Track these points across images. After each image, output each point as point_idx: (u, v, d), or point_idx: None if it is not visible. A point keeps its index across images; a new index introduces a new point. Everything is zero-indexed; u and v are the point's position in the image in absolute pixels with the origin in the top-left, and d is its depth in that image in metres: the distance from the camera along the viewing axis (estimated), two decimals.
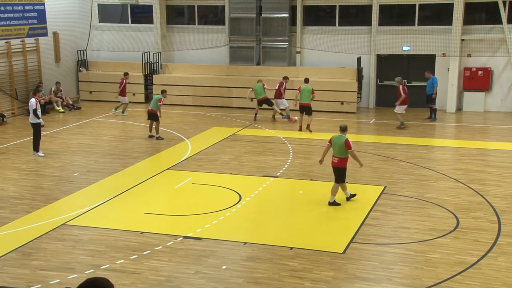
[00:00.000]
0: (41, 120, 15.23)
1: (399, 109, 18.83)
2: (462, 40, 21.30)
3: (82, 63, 24.75)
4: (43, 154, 15.29)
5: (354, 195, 11.84)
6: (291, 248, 9.45)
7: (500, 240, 9.65)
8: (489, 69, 21.34)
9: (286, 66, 23.30)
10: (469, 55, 21.64)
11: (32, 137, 15.51)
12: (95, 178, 13.42)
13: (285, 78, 20.29)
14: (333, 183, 11.64)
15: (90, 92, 24.43)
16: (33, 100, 15.25)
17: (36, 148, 15.37)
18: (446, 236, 9.89)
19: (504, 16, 20.71)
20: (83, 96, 24.35)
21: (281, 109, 20.10)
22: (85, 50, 24.94)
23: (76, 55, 24.59)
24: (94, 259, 9.09)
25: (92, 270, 8.66)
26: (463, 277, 8.34)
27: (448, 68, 21.50)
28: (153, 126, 17.36)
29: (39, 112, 15.21)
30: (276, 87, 20.17)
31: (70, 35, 24.05)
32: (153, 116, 17.24)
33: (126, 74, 21.39)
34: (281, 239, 9.90)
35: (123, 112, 21.09)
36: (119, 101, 21.18)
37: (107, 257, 9.12)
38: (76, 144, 16.83)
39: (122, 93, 21.00)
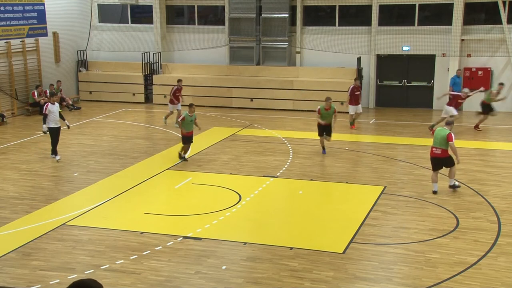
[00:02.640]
0: (43, 127, 14.58)
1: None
2: (462, 40, 21.31)
3: (82, 63, 24.76)
4: (59, 157, 14.76)
5: (459, 186, 12.35)
6: (291, 248, 9.45)
7: (500, 240, 9.65)
8: (489, 69, 21.34)
9: (286, 66, 23.32)
10: (469, 55, 21.64)
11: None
12: (95, 178, 13.42)
13: (356, 80, 19.22)
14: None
15: (90, 92, 24.43)
16: (45, 105, 14.81)
17: (53, 151, 14.87)
18: (446, 236, 9.89)
19: (504, 16, 20.71)
20: (83, 96, 24.35)
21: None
22: (85, 50, 24.94)
23: (76, 55, 24.60)
24: (94, 259, 9.09)
25: (92, 270, 8.66)
26: (463, 277, 8.34)
27: (448, 68, 21.50)
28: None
29: (48, 117, 14.48)
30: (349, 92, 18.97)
31: (70, 35, 24.06)
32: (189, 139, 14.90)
33: (179, 80, 19.75)
34: (281, 239, 9.90)
35: (165, 118, 19.31)
36: (175, 110, 19.23)
37: (107, 257, 9.12)
38: (76, 144, 16.82)
39: (173, 100, 19.19)
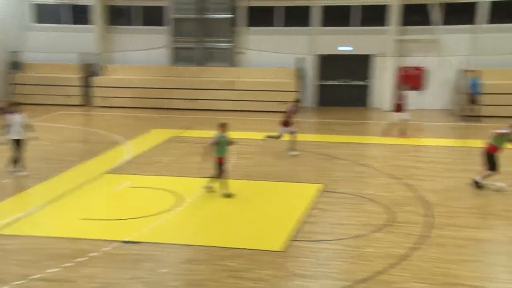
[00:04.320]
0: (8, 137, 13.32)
1: None
2: (398, 40, 21.94)
3: (16, 65, 23.92)
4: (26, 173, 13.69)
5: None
6: (231, 248, 9.44)
7: (432, 233, 9.97)
8: (423, 68, 22.05)
9: (228, 67, 23.36)
10: (405, 55, 22.29)
11: None
12: (29, 184, 12.98)
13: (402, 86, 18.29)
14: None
15: (24, 95, 23.62)
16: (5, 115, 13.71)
17: (14, 163, 13.75)
18: (381, 230, 10.14)
19: (437, 18, 21.46)
20: (17, 99, 23.51)
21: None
22: (19, 52, 24.11)
23: (9, 57, 23.74)
24: (25, 269, 8.75)
25: (23, 281, 8.34)
26: (395, 269, 8.56)
27: (384, 68, 22.09)
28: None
29: (11, 128, 13.37)
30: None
31: (2, 36, 23.20)
32: None
33: (298, 100, 16.57)
34: (222, 240, 9.88)
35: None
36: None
37: (40, 266, 8.80)
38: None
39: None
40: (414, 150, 16.18)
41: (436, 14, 21.50)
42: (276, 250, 9.41)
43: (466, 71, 20.96)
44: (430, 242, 9.56)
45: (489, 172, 12.25)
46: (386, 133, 17.57)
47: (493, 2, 21.43)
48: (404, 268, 8.61)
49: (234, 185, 13.07)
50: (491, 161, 12.18)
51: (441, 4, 21.49)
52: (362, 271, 8.55)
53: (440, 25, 21.56)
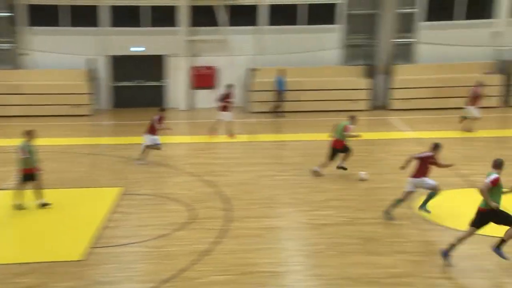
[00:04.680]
0: None
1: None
2: (189, 41, 22.50)
3: None
4: None
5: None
6: (25, 263, 8.81)
7: (231, 226, 10.49)
8: (214, 68, 22.97)
9: (12, 70, 21.61)
10: (196, 55, 22.93)
11: None
12: None
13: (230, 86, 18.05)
14: None
15: None
16: None
17: None
18: (184, 228, 10.35)
19: (223, 19, 22.52)
20: None
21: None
22: None
23: None
24: None
25: None
26: (198, 265, 8.84)
27: (178, 68, 22.51)
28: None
29: None
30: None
31: None
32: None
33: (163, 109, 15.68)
34: (13, 256, 9.17)
35: None
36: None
37: None
38: None
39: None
40: (211, 147, 16.80)
41: (222, 15, 22.53)
42: (75, 259, 9.03)
43: (253, 69, 22.35)
44: (230, 234, 10.06)
45: (327, 162, 13.37)
46: (212, 132, 17.72)
47: (272, 5, 23.17)
48: (206, 262, 8.93)
49: (29, 195, 12.16)
50: (331, 154, 13.31)
51: (226, 6, 22.60)
52: (167, 271, 8.65)
53: (227, 26, 22.66)
